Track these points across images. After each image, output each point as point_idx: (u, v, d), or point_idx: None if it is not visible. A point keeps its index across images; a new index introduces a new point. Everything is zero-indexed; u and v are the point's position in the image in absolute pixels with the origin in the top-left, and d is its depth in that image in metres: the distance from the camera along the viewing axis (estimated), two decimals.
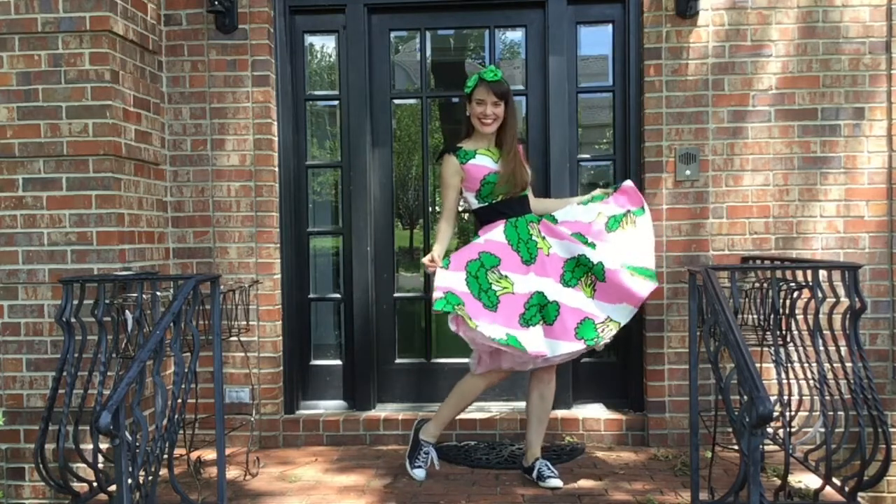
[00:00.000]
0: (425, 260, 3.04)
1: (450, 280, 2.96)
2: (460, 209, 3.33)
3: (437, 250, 3.06)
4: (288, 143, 3.82)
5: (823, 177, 3.58)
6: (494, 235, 3.06)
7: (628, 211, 3.14)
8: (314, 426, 3.74)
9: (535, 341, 2.90)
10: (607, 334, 2.93)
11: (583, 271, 3.00)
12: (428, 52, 3.94)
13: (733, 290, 2.80)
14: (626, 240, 3.07)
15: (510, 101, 3.07)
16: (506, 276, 2.99)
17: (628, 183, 3.22)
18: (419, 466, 3.18)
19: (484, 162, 3.08)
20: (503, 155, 3.08)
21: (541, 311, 2.95)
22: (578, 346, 2.89)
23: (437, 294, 2.92)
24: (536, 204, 3.24)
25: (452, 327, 2.95)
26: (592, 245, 3.03)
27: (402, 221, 4.07)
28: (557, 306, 2.93)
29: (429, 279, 3.93)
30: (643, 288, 2.96)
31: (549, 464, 3.12)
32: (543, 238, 3.07)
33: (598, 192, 3.25)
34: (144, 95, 3.50)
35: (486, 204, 3.11)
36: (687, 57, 3.59)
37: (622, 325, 2.97)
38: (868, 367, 2.71)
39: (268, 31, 3.69)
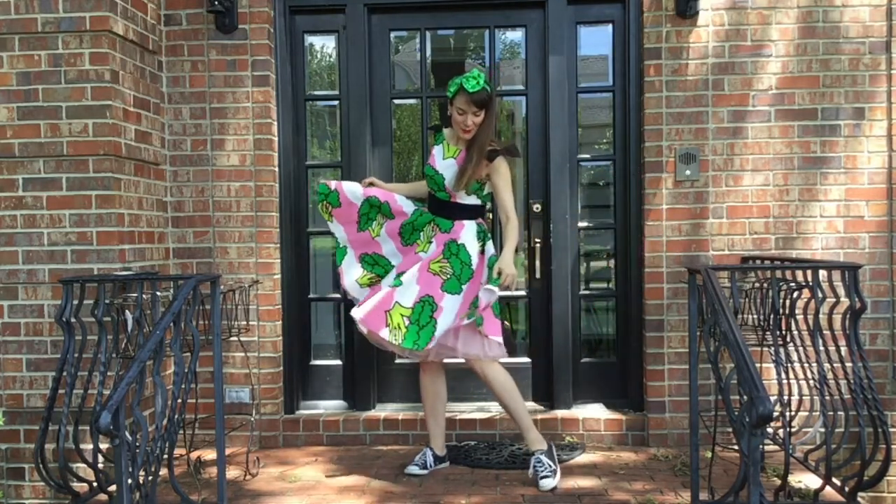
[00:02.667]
0: (365, 180, 3.34)
1: (351, 192, 3.23)
2: None
3: (381, 182, 3.37)
4: (288, 143, 3.82)
5: (823, 177, 3.58)
6: (409, 209, 3.24)
7: (434, 321, 2.94)
8: (314, 426, 3.74)
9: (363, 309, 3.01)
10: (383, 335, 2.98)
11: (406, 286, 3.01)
12: (428, 52, 3.94)
13: (733, 290, 2.80)
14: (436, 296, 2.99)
15: (491, 104, 3.04)
16: (381, 227, 3.24)
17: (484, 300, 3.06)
18: (414, 464, 3.24)
19: (436, 153, 3.21)
20: (468, 151, 3.07)
21: (378, 279, 3.21)
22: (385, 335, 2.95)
23: (332, 183, 3.24)
24: (503, 228, 3.12)
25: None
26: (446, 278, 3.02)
27: None
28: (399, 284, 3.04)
29: None
30: (385, 333, 2.94)
31: (543, 459, 3.04)
32: (430, 242, 3.15)
33: (498, 275, 2.97)
34: (144, 95, 3.50)
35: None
36: (687, 57, 3.59)
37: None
38: (868, 367, 2.71)
39: (268, 31, 3.69)
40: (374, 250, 3.26)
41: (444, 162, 3.15)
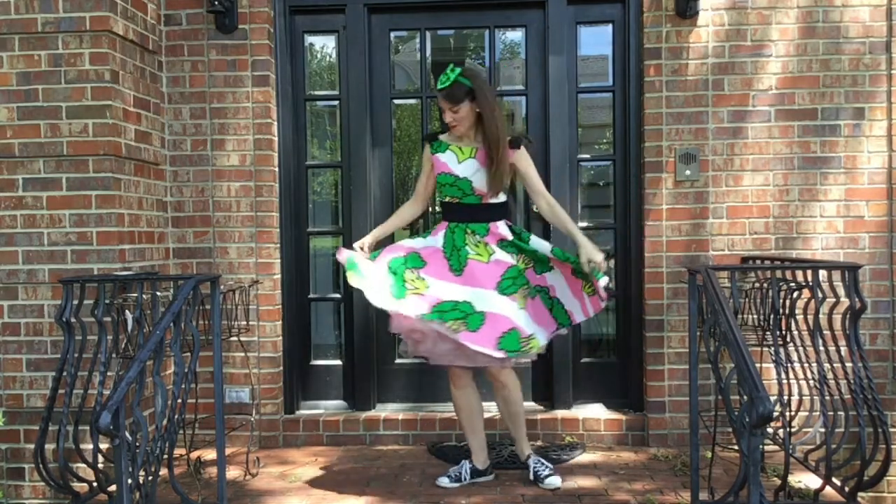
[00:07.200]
0: (356, 244, 3.06)
1: (365, 265, 2.93)
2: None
3: (371, 238, 3.11)
4: (288, 144, 3.82)
5: (823, 177, 3.58)
6: (435, 241, 3.01)
7: (556, 300, 3.04)
8: (314, 426, 3.74)
9: (413, 306, 2.80)
10: (530, 353, 2.88)
11: (523, 282, 2.95)
12: (428, 52, 3.94)
13: (733, 290, 2.80)
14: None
15: (476, 97, 2.88)
16: (423, 279, 2.90)
17: (601, 299, 2.98)
18: (446, 475, 3.10)
19: (447, 160, 2.99)
20: (492, 153, 2.91)
21: (465, 318, 2.80)
22: (497, 354, 2.79)
23: (341, 256, 2.98)
24: (551, 214, 3.06)
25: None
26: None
27: None
28: (483, 316, 2.81)
29: None
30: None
31: (543, 460, 3.10)
32: (486, 245, 2.95)
33: (593, 265, 2.88)
34: (144, 95, 3.50)
35: (441, 200, 3.13)
36: (687, 57, 3.59)
37: (541, 346, 2.92)
38: (868, 367, 2.71)
39: (268, 31, 3.69)
40: (437, 304, 2.83)
41: (463, 165, 2.96)
